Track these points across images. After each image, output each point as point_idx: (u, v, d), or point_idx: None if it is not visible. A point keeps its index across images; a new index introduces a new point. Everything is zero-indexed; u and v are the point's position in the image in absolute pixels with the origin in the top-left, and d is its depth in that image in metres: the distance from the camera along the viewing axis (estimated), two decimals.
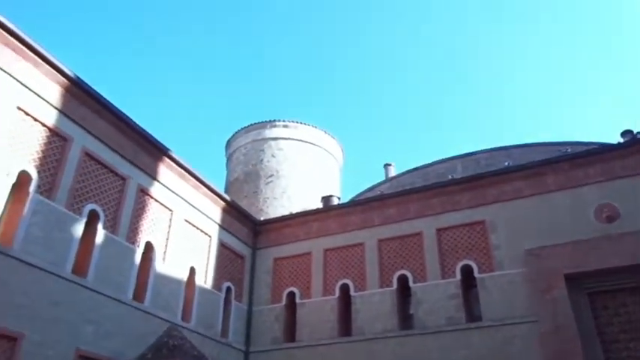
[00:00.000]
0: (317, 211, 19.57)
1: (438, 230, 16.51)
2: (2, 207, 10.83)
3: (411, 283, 16.21)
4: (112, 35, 65.40)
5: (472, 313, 15.36)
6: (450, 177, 20.48)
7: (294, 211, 23.02)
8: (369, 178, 74.17)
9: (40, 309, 10.90)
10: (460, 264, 15.77)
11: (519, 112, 68.30)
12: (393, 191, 19.99)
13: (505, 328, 14.32)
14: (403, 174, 27.07)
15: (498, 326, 14.42)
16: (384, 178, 29.07)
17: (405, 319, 16.27)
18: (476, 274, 15.47)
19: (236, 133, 29.65)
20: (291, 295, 17.97)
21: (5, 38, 11.27)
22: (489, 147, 24.79)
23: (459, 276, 15.66)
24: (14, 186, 11.16)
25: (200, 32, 68.10)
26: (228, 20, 68.43)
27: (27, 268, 10.81)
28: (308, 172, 27.55)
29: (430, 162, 26.13)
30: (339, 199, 24.57)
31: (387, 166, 30.13)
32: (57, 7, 61.22)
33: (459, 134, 69.03)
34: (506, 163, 19.36)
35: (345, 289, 17.21)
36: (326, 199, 23.74)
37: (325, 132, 29.60)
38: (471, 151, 25.18)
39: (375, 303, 16.40)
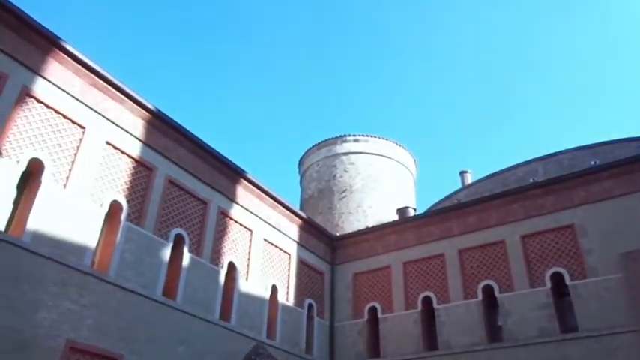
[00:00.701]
0: (394, 224, 19.37)
1: (523, 237, 15.80)
2: (98, 236, 11.61)
3: (497, 293, 15.59)
4: (181, 64, 68.80)
5: (566, 323, 14.48)
6: (530, 180, 19.61)
7: (370, 225, 22.93)
8: (445, 187, 72.51)
9: (136, 331, 11.52)
10: (549, 271, 14.97)
11: (602, 108, 64.39)
12: (471, 199, 19.43)
13: (605, 339, 13.37)
14: (481, 180, 26.27)
15: (597, 337, 13.49)
16: (460, 186, 28.35)
17: (493, 331, 15.63)
18: (567, 281, 14.61)
19: (307, 151, 30.07)
20: (373, 309, 17.83)
21: (93, 79, 12.20)
22: (572, 147, 23.53)
23: (548, 284, 14.86)
24: (107, 215, 11.96)
25: (261, 58, 70.13)
26: (293, 40, 70.02)
27: (122, 293, 11.49)
28: (382, 185, 27.37)
29: (509, 166, 25.19)
30: (414, 210, 24.22)
31: (462, 173, 29.37)
32: (126, 40, 65.33)
33: (538, 136, 66.10)
34: (593, 163, 18.24)
35: (427, 301, 16.83)
36: (402, 211, 23.47)
37: (396, 143, 29.34)
38: (552, 152, 24.02)
39: (460, 315, 15.91)
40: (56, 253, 10.41)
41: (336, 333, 18.09)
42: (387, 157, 28.67)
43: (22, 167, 10.44)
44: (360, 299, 18.29)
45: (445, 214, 17.81)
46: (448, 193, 27.76)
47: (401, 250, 18.11)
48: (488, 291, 15.83)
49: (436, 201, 27.85)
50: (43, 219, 10.43)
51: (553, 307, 14.54)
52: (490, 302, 15.89)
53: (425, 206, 28.22)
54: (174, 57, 67.54)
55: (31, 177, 10.77)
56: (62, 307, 10.21)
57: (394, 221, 20.25)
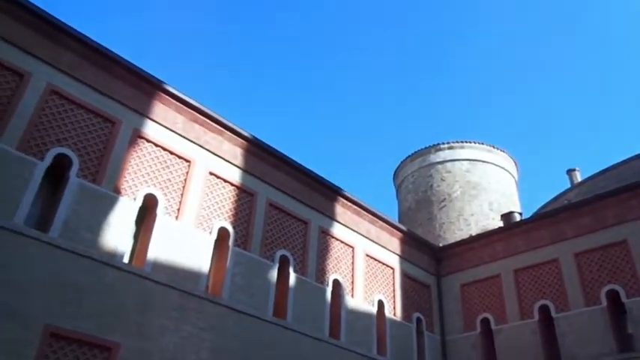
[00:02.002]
0: (500, 230, 18.52)
1: None
2: (209, 261, 12.25)
3: (624, 299, 14.28)
4: (269, 86, 71.26)
5: None
6: None
7: (473, 234, 22.12)
8: (551, 188, 68.20)
9: (252, 351, 11.93)
10: None
11: None
12: (583, 198, 18.10)
13: None
14: (592, 177, 24.46)
15: None
16: (569, 186, 26.57)
17: (623, 340, 14.29)
18: None
19: (401, 163, 29.78)
20: (485, 321, 17.07)
21: (193, 115, 13.03)
22: None
23: None
24: (216, 242, 12.60)
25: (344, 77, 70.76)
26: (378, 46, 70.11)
27: (236, 315, 11.99)
28: (482, 192, 26.36)
29: (623, 159, 23.22)
30: (520, 214, 23.00)
31: (570, 171, 27.54)
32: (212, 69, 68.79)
33: None
34: None
35: (544, 310, 15.81)
36: (506, 217, 22.40)
37: (493, 147, 28.19)
38: None
39: (582, 323, 14.75)
40: (174, 280, 11.13)
41: (448, 347, 17.51)
42: (484, 161, 27.62)
43: (139, 203, 11.32)
44: (470, 311, 17.60)
45: (555, 217, 16.72)
46: (556, 193, 26.11)
47: (510, 257, 17.24)
48: (613, 296, 14.57)
49: (543, 203, 26.29)
50: (160, 249, 11.22)
51: None
52: (616, 308, 14.60)
53: (531, 210, 26.79)
54: (258, 74, 70.23)
55: (146, 211, 11.66)
56: (184, 330, 10.86)
57: (500, 227, 19.36)
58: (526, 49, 67.39)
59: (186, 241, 11.78)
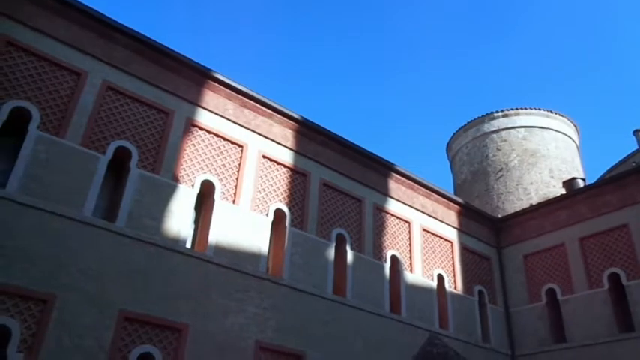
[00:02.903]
0: (562, 198, 17.83)
1: None
2: (268, 243, 12.51)
3: None
4: (313, 60, 71.05)
5: None
6: None
7: (533, 203, 21.42)
8: (617, 151, 64.78)
9: (314, 329, 12.16)
10: None
11: None
12: None
13: None
14: None
15: None
16: (636, 147, 25.15)
17: None
18: None
19: (454, 134, 29.06)
20: (551, 291, 16.60)
21: (242, 100, 13.21)
22: None
23: None
24: (273, 223, 12.83)
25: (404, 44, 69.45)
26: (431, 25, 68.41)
27: (296, 294, 12.22)
28: (541, 159, 25.37)
29: None
30: (583, 180, 22.05)
31: (637, 132, 26.00)
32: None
33: None
34: None
35: (614, 278, 15.20)
36: (568, 184, 21.53)
37: (551, 111, 26.97)
38: None
39: None
40: (235, 263, 11.45)
41: (512, 319, 17.20)
42: (542, 127, 26.51)
43: (197, 190, 11.67)
44: (534, 282, 17.16)
45: (623, 180, 15.90)
46: (622, 156, 24.78)
47: (574, 225, 16.63)
48: None
49: (609, 167, 25.04)
50: (220, 233, 11.55)
51: None
52: None
53: (595, 175, 25.58)
54: (307, 48, 70.13)
55: (204, 197, 12.01)
56: (247, 311, 11.19)
57: (562, 195, 18.63)
58: (583, 5, 63.76)
59: (245, 225, 12.06)
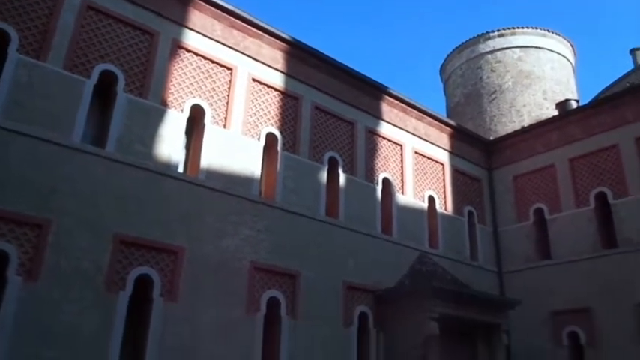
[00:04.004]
0: (554, 119, 17.83)
1: None
2: (260, 167, 12.52)
3: None
4: None
5: None
6: None
7: (526, 125, 21.39)
8: (613, 71, 64.02)
9: (307, 249, 12.47)
10: None
11: None
12: None
13: None
14: None
15: None
16: (632, 67, 24.82)
17: None
18: None
19: (448, 56, 28.44)
20: (539, 211, 16.98)
21: (230, 21, 12.72)
22: None
23: None
24: (265, 147, 12.78)
25: None
26: None
27: (290, 216, 12.42)
28: (535, 80, 25.03)
29: None
30: (577, 102, 21.95)
31: (634, 51, 25.55)
32: None
33: None
34: None
35: (601, 197, 15.51)
36: (561, 105, 21.46)
37: (548, 31, 26.29)
38: None
39: None
40: (229, 187, 11.51)
41: (500, 238, 17.70)
42: (538, 47, 25.95)
43: (186, 114, 11.48)
44: (523, 202, 17.51)
45: (616, 100, 15.81)
46: (618, 76, 24.49)
47: (565, 146, 16.74)
48: None
49: (603, 87, 24.82)
50: (212, 158, 11.52)
51: None
52: None
53: (590, 96, 25.38)
54: None
55: (195, 122, 11.84)
56: (242, 233, 11.40)
57: (554, 116, 18.61)
58: None
59: (236, 149, 12.01)
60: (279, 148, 12.84)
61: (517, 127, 22.35)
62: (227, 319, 10.56)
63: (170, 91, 11.34)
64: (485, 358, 13.99)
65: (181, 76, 11.64)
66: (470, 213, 17.40)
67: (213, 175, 11.40)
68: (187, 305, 10.12)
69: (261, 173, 12.66)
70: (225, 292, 10.73)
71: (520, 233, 17.22)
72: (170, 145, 10.97)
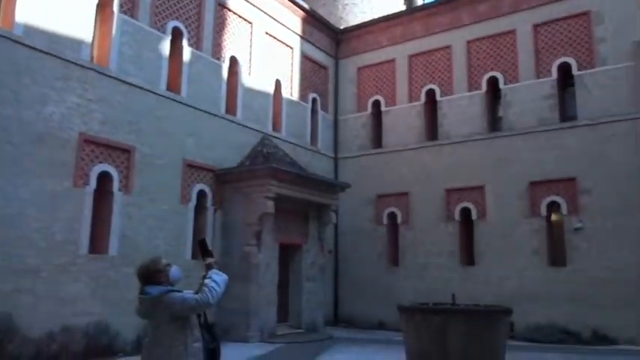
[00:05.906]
0: (400, 14, 18.46)
1: (535, 26, 15.16)
2: (92, 29, 11.13)
3: (501, 85, 15.57)
4: None
5: (566, 113, 14.74)
6: None
7: (375, 17, 21.84)
8: None
9: (145, 124, 11.80)
10: (557, 62, 14.71)
11: None
12: None
13: (602, 127, 13.72)
14: None
15: (595, 125, 13.83)
16: None
17: (494, 122, 16.02)
18: (574, 71, 14.43)
19: None
20: (377, 103, 18.04)
21: None
22: None
23: (555, 75, 14.73)
24: (98, 6, 11.29)
25: None
26: None
27: (126, 87, 11.47)
28: None
29: None
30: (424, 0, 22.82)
31: None
32: None
33: None
34: None
35: (431, 94, 16.92)
36: (409, 1, 22.16)
37: None
38: None
39: (462, 107, 16.13)
40: (53, 48, 10.10)
41: (339, 126, 18.63)
42: None
43: None
44: (364, 93, 18.39)
45: (456, 2, 16.74)
46: None
47: (407, 42, 17.59)
48: (492, 83, 15.79)
49: None
50: (32, 11, 9.86)
51: (556, 98, 14.65)
52: (494, 94, 15.97)
53: None
54: None
55: None
56: (69, 101, 10.30)
57: (401, 11, 19.26)
58: None
59: (63, 4, 10.42)
60: (114, 8, 11.44)
61: (367, 18, 22.70)
62: (52, 192, 9.81)
63: None
64: (315, 235, 15.23)
65: None
66: (314, 100, 17.83)
67: (33, 31, 9.82)
68: (4, 178, 9.12)
69: (93, 36, 11.28)
70: (51, 164, 9.85)
71: (357, 123, 18.27)
72: None
